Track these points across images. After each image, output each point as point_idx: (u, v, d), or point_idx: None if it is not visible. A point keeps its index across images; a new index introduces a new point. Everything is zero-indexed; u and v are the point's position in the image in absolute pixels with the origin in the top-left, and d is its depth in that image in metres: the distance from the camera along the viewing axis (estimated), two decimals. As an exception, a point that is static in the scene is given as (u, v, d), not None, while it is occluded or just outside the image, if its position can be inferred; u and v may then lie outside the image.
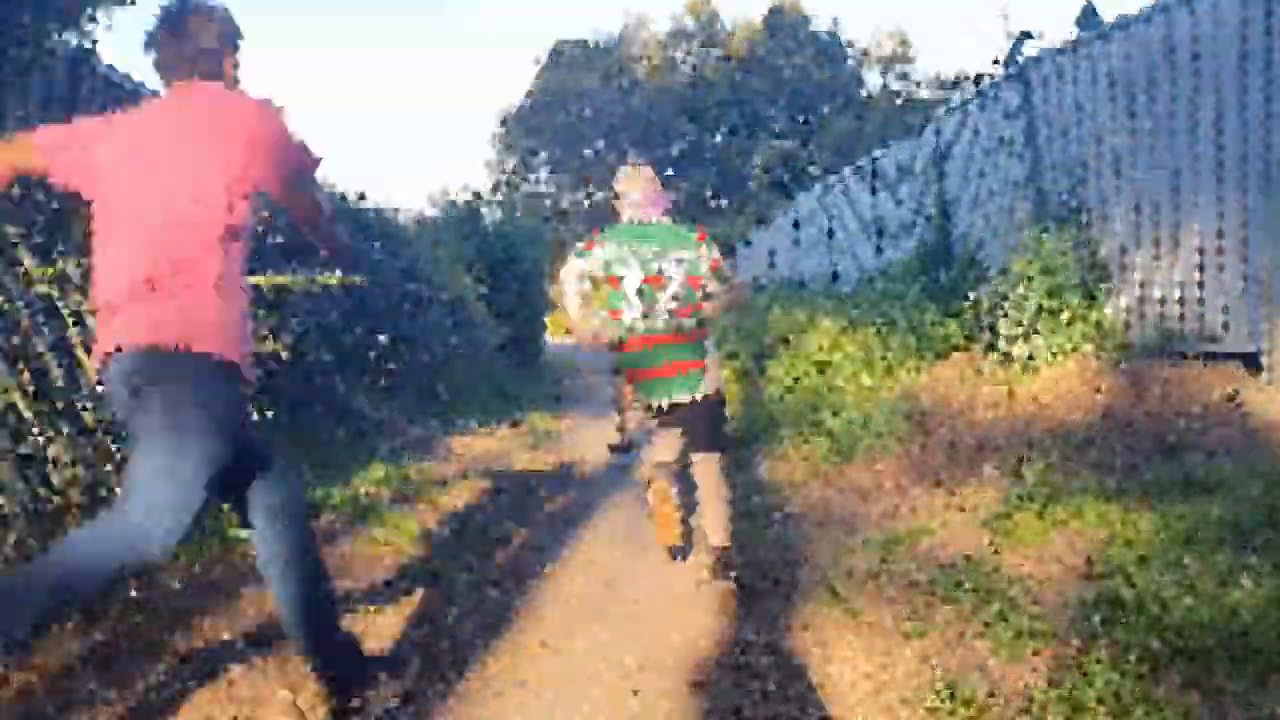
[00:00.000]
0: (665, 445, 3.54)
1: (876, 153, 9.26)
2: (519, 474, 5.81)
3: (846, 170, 10.33)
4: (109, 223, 1.82)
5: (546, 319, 10.90)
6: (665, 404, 3.44)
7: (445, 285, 9.15)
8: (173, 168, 1.78)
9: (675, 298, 3.36)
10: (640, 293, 3.38)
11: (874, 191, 9.30)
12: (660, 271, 3.38)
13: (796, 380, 6.72)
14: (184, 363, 1.77)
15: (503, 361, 10.86)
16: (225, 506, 3.32)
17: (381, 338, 6.09)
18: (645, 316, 3.39)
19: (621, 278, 3.40)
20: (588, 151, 31.12)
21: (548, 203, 31.23)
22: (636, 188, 3.53)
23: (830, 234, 10.87)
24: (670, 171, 28.86)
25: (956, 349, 6.01)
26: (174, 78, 1.95)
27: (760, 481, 5.19)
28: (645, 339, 3.38)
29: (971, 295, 6.01)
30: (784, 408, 6.39)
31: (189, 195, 1.77)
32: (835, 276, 10.50)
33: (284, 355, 4.29)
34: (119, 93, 4.87)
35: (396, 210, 9.41)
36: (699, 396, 3.42)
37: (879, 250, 9.10)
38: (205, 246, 1.76)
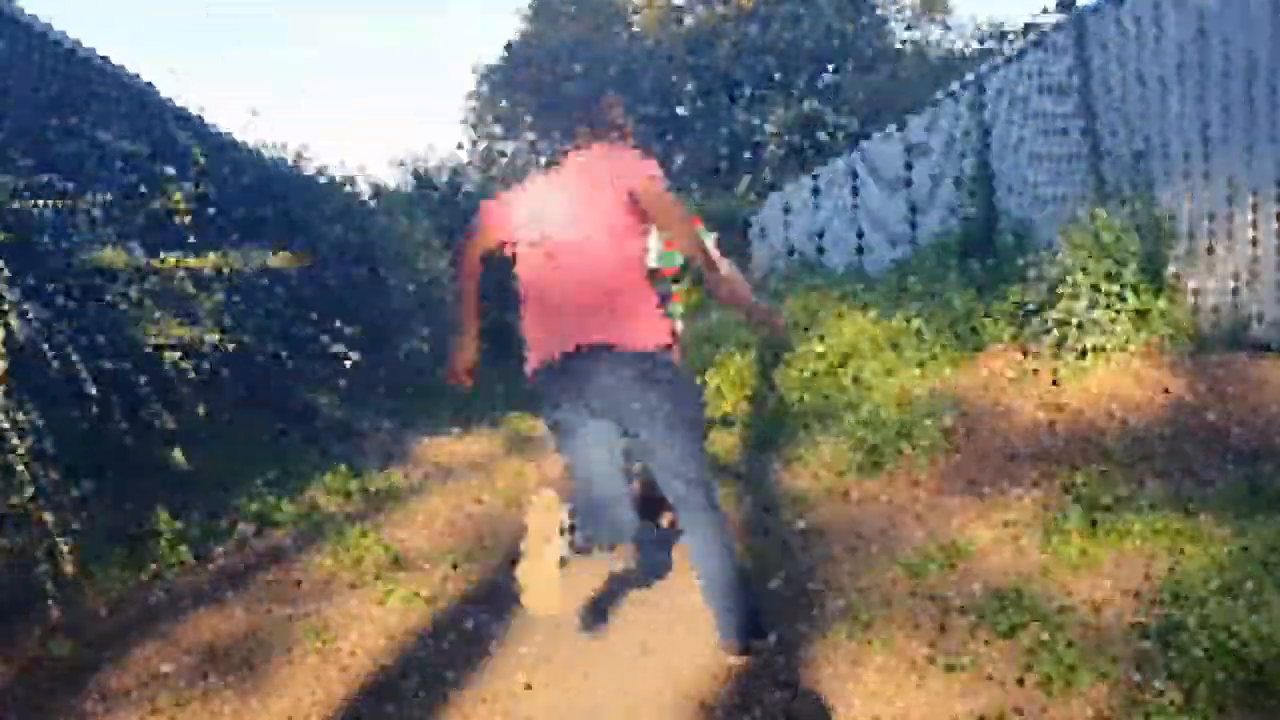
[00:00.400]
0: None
1: (909, 116, 9.22)
2: (497, 483, 5.73)
3: (875, 135, 10.31)
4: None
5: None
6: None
7: (416, 266, 9.05)
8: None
9: None
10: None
11: (907, 161, 9.25)
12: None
13: (816, 376, 6.66)
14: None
15: (481, 354, 10.65)
16: (163, 516, 3.87)
17: (342, 328, 5.95)
18: None
19: None
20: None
21: (534, 170, 30.34)
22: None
23: (856, 208, 10.80)
24: (670, 137, 28.82)
25: (1000, 341, 5.95)
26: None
27: (776, 491, 5.19)
28: None
29: (1018, 279, 5.95)
30: (803, 408, 6.36)
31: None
32: (861, 255, 10.37)
33: (228, 346, 4.36)
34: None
35: (352, 177, 9.16)
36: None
37: (912, 227, 9.05)
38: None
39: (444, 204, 11.73)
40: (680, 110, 29.97)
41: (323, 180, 8.32)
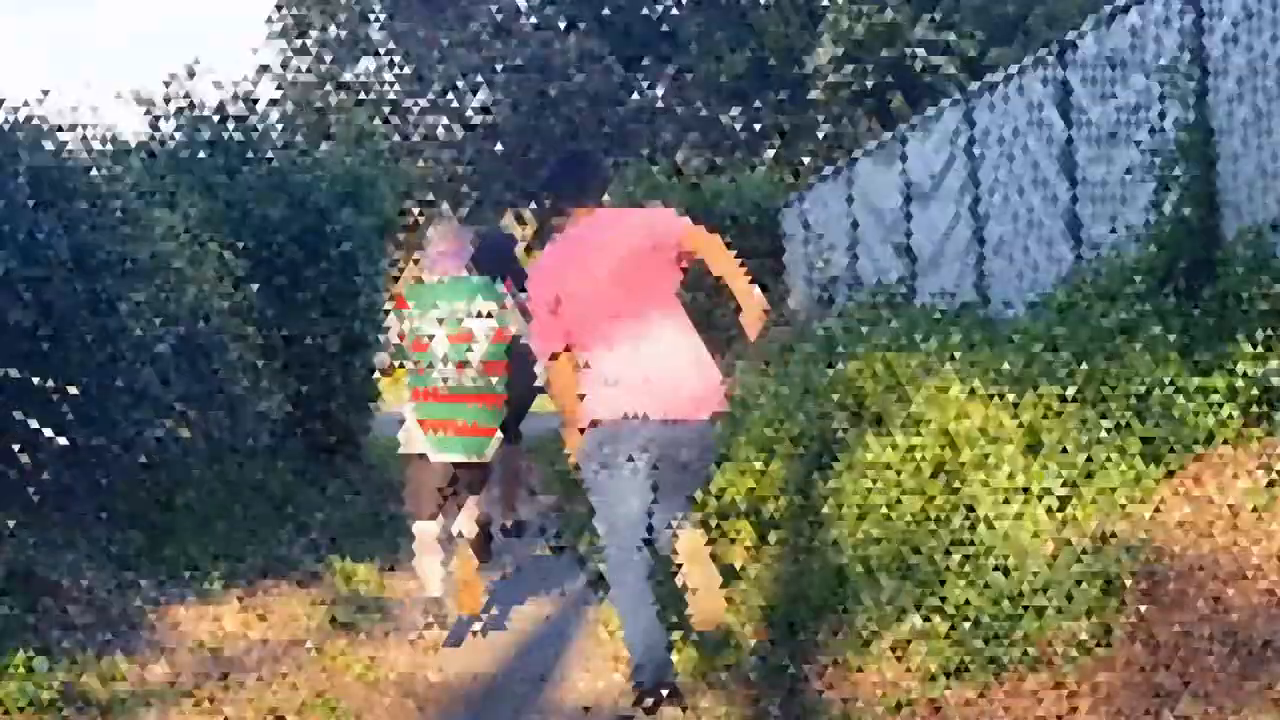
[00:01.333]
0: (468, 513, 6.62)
1: (1069, 37, 9.62)
2: (304, 687, 6.00)
3: (1005, 73, 10.46)
4: None
5: (379, 365, 10.11)
6: (452, 460, 6.32)
7: (165, 291, 8.83)
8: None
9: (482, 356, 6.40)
10: (446, 352, 6.31)
11: (1065, 116, 9.47)
12: (467, 329, 6.36)
13: (892, 495, 6.63)
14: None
15: (287, 453, 10.86)
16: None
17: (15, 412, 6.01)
18: (446, 379, 6.30)
19: (432, 337, 6.24)
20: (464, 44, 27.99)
21: (388, 131, 28.20)
22: (440, 242, 6.46)
23: (976, 204, 10.86)
24: (647, 60, 26.42)
25: (1228, 440, 6.09)
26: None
27: (813, 707, 5.44)
28: (450, 396, 6.25)
29: (1260, 329, 6.23)
30: (863, 559, 6.42)
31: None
32: (983, 283, 10.45)
33: None
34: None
35: (58, 128, 8.38)
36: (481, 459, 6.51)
37: (1075, 231, 9.41)
38: None
39: (233, 172, 11.38)
40: (669, 9, 26.09)
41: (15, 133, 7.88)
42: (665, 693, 4.67)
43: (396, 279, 12.33)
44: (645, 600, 4.76)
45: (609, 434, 4.69)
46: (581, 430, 4.81)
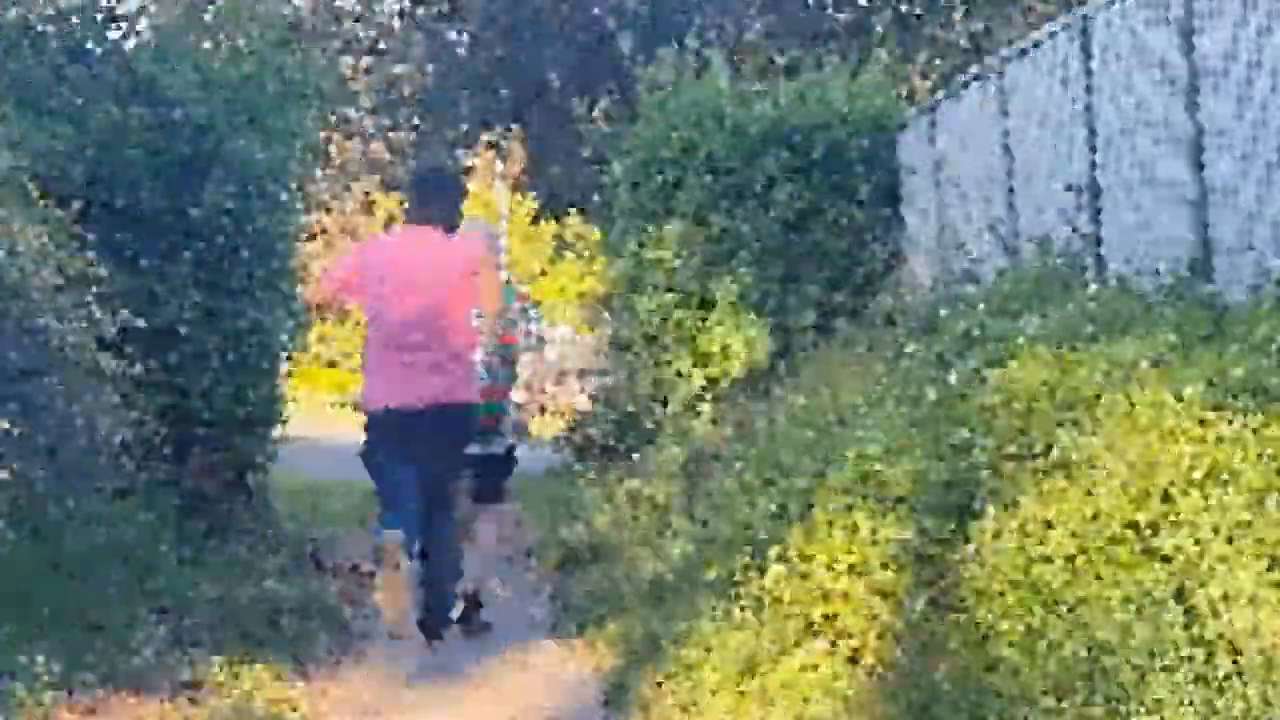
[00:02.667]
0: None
1: None
2: None
3: None
4: None
5: (288, 360, 10.19)
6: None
7: None
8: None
9: None
10: None
11: None
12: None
13: (1067, 586, 6.54)
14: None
15: (148, 500, 10.80)
16: None
17: None
18: None
19: None
20: None
21: (308, 24, 28.69)
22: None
23: (1198, 130, 10.55)
24: None
25: None
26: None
27: None
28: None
29: None
30: (1021, 667, 6.43)
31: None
32: (1206, 255, 10.33)
33: None
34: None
35: None
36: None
37: None
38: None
39: (64, 78, 11.36)
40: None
41: None
42: (442, 628, 9.45)
43: (315, 237, 12.47)
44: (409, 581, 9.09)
45: (376, 418, 9.17)
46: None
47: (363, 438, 9.02)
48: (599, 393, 19.96)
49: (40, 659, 7.99)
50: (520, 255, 46.80)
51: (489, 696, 9.66)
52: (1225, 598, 6.19)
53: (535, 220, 38.24)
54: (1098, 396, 7.74)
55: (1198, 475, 6.69)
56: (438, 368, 8.89)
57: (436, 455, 8.90)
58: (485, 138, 28.73)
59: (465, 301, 9.18)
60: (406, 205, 9.99)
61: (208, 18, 14.69)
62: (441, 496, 9.07)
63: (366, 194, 36.24)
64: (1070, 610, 6.68)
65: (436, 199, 9.56)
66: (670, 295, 16.23)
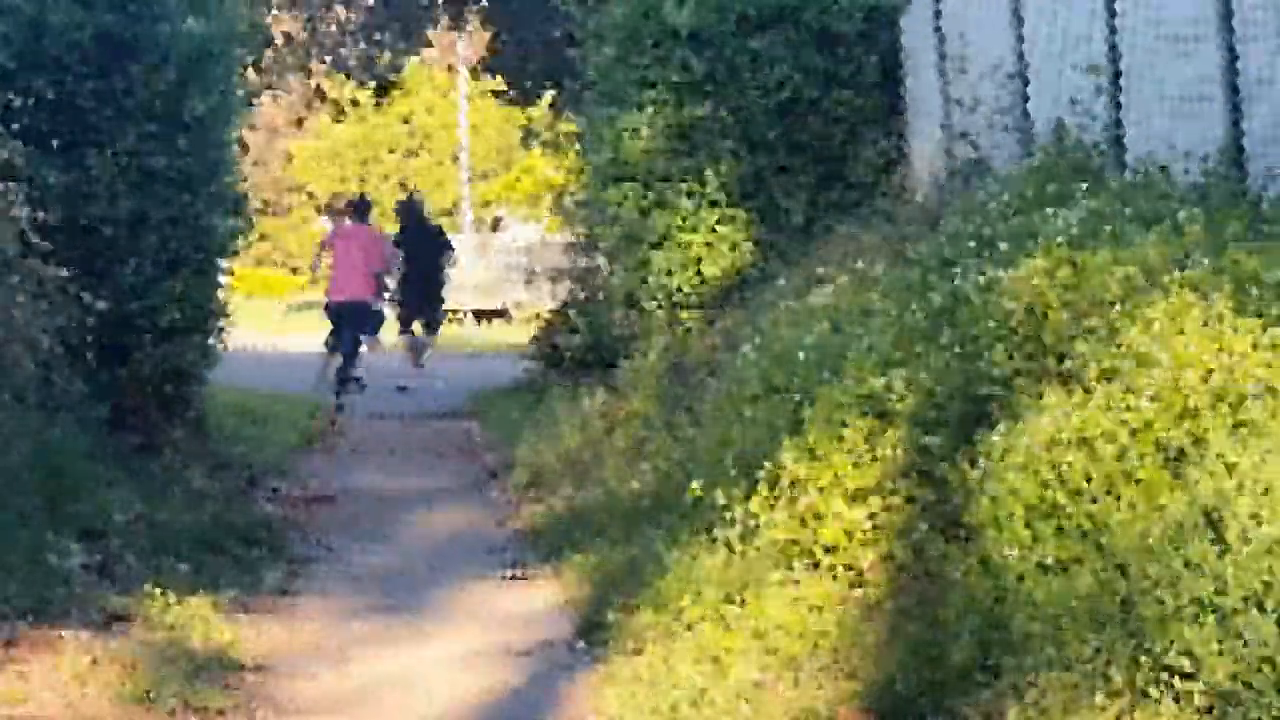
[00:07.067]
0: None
1: None
2: None
3: None
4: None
5: (229, 254, 9.92)
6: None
7: None
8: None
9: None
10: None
11: None
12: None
13: (1085, 510, 6.63)
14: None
15: (74, 416, 11.05)
16: None
17: None
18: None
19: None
20: None
21: None
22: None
23: (1228, 6, 10.45)
24: None
25: None
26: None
27: None
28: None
29: None
30: (1036, 598, 6.55)
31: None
32: (1241, 138, 10.34)
33: None
34: None
35: None
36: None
37: None
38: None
39: None
40: None
41: None
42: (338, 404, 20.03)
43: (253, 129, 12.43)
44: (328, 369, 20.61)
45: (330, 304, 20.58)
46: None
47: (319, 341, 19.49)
48: (570, 297, 19.52)
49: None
50: (477, 148, 46.81)
51: (448, 633, 9.62)
52: (1265, 522, 6.20)
53: (501, 99, 36.85)
54: (1118, 303, 7.73)
55: (1234, 388, 6.82)
56: (354, 282, 21.36)
57: (352, 317, 21.53)
58: (446, 15, 28.79)
59: (370, 256, 21.98)
60: (350, 213, 23.87)
61: None
62: (352, 333, 21.37)
63: (310, 75, 34.99)
64: (1085, 537, 6.69)
65: (359, 212, 23.68)
66: (649, 191, 15.82)
